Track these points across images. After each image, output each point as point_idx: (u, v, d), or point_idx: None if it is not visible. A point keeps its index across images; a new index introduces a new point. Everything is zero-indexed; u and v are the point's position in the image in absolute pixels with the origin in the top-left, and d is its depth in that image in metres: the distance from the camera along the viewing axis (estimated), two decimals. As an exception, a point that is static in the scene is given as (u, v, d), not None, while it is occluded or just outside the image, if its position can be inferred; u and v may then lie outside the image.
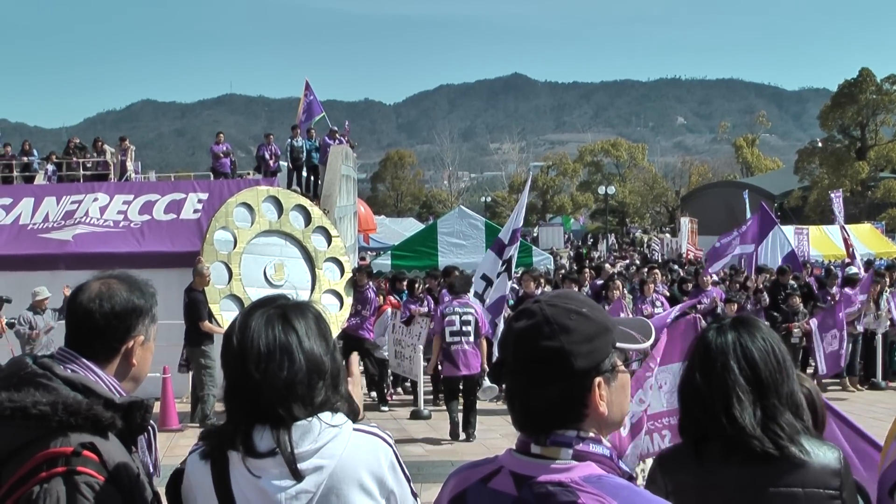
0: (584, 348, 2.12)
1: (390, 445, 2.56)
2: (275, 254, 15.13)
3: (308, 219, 15.43)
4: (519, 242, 16.41)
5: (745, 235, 23.18)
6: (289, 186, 24.60)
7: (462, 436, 13.45)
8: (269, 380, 2.43)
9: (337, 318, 15.17)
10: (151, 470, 2.93)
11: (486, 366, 13.83)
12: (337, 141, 26.57)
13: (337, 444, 2.46)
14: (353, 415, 2.60)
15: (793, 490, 2.77)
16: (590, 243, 74.43)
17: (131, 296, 2.82)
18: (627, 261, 40.73)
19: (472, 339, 13.44)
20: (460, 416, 13.52)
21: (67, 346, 2.80)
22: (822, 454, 2.81)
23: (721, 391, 2.86)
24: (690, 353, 3.05)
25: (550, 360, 2.11)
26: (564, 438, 2.13)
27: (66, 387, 2.62)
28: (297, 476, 2.41)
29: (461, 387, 13.64)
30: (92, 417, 2.57)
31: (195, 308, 14.10)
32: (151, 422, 2.91)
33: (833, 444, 2.90)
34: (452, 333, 13.46)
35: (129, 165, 27.01)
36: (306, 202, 16.21)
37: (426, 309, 16.10)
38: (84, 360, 2.74)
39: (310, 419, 2.44)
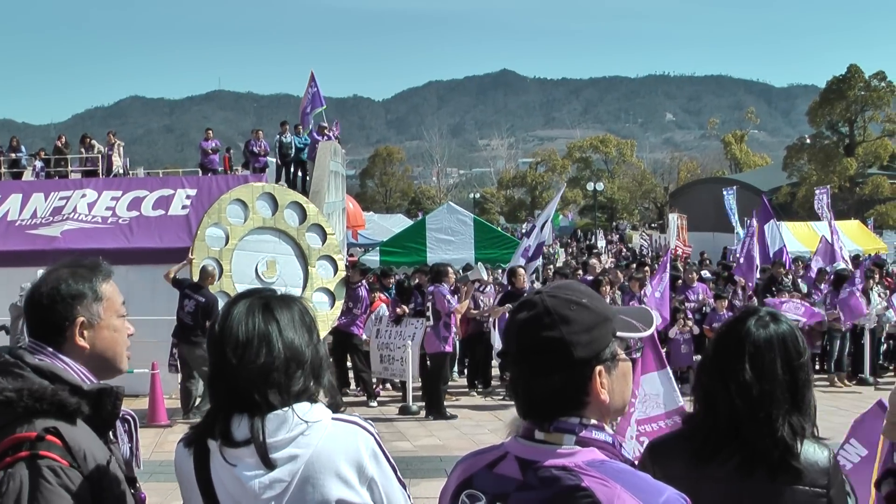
0: (583, 338, 2.17)
1: (371, 434, 2.58)
2: (267, 251, 15.10)
3: (303, 216, 15.41)
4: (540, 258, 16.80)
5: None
6: (276, 182, 24.59)
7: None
8: (246, 365, 2.48)
9: (328, 316, 15.17)
10: (131, 459, 2.95)
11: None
12: (325, 137, 26.54)
13: (313, 433, 2.49)
14: (335, 407, 2.62)
15: (779, 487, 2.79)
16: (581, 239, 74.45)
17: (59, 285, 2.84)
18: (611, 260, 40.55)
19: (430, 322, 15.08)
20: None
21: (31, 337, 2.85)
22: (811, 452, 2.83)
23: (769, 395, 2.85)
24: (730, 346, 2.99)
25: (551, 350, 2.16)
26: (567, 425, 2.18)
27: (34, 374, 2.66)
28: (268, 464, 2.44)
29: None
30: (57, 403, 2.59)
31: (214, 308, 13.84)
32: (132, 412, 2.97)
33: (824, 442, 2.91)
34: (427, 318, 15.26)
35: (117, 161, 26.97)
36: (302, 199, 16.18)
37: (413, 305, 16.14)
38: (50, 350, 2.78)
39: (286, 409, 2.47)
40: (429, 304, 15.16)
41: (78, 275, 2.88)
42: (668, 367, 6.58)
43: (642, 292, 17.43)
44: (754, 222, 22.74)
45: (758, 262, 20.89)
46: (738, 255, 22.61)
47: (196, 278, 14.45)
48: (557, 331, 2.16)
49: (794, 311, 16.73)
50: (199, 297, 14.02)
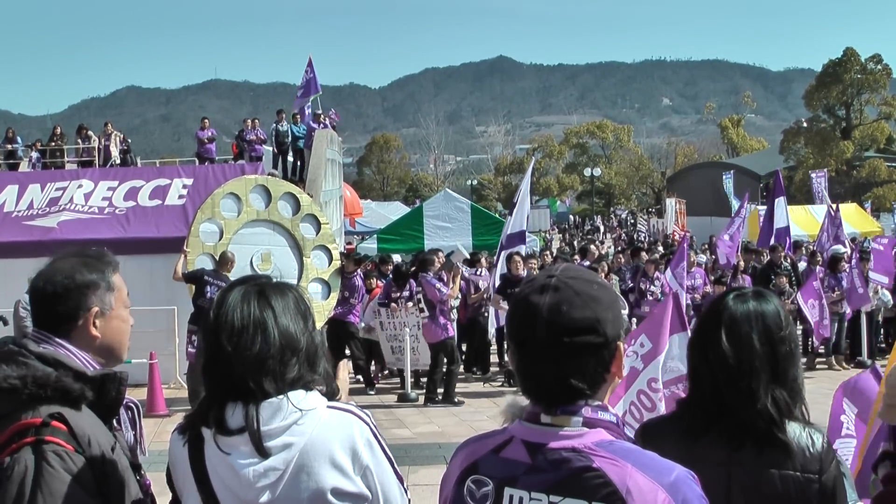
0: (610, 315, 2.21)
1: (367, 423, 2.57)
2: (262, 243, 15.12)
3: (297, 207, 15.42)
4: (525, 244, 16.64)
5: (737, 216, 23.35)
6: (273, 169, 24.60)
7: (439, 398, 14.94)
8: (241, 353, 2.47)
9: (323, 306, 15.20)
10: (135, 446, 2.97)
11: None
12: (322, 125, 26.49)
13: (308, 421, 2.48)
14: (331, 395, 2.61)
15: (769, 471, 2.77)
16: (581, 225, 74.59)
17: (73, 273, 2.85)
18: (609, 245, 40.62)
19: (426, 313, 14.96)
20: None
21: (36, 327, 2.86)
22: (805, 437, 2.81)
23: (748, 365, 2.84)
24: (709, 320, 3.00)
25: (587, 331, 2.17)
26: (574, 407, 2.19)
27: (39, 362, 2.67)
28: (263, 453, 2.44)
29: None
30: (61, 389, 2.61)
31: None
32: (135, 400, 2.99)
33: (819, 428, 2.89)
34: (420, 310, 15.15)
35: (114, 151, 26.91)
36: (296, 190, 16.18)
37: (407, 293, 16.09)
38: (55, 339, 2.80)
39: (280, 397, 2.47)
40: (419, 296, 15.11)
41: (91, 265, 2.90)
42: (689, 330, 6.55)
43: (655, 274, 17.49)
44: (745, 204, 22.71)
45: (739, 244, 21.00)
46: (724, 234, 22.56)
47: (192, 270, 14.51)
48: (591, 310, 2.17)
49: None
50: (221, 281, 13.97)
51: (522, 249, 16.29)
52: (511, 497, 2.19)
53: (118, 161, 26.53)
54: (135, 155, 30.04)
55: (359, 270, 16.56)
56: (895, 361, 4.69)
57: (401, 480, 2.65)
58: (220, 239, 14.81)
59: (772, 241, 21.09)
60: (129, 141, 29.30)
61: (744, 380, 2.83)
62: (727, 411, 2.84)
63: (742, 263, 19.56)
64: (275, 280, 2.69)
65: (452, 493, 2.33)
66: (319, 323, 14.78)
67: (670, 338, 6.56)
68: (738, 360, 2.85)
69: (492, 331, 16.55)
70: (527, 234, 17.41)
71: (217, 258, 14.68)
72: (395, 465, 2.64)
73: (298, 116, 27.19)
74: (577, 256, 21.43)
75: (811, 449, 2.79)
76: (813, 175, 33.75)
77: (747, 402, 2.81)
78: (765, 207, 23.43)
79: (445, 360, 14.98)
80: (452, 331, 15.47)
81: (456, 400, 14.75)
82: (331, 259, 15.60)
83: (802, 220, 33.33)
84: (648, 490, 2.05)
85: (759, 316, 2.91)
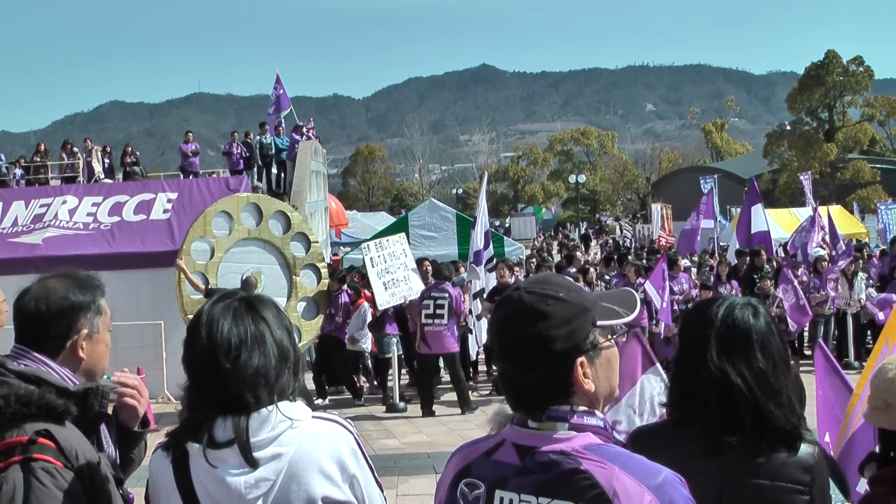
0: (561, 331, 2.20)
1: (351, 432, 2.60)
2: (252, 261, 15.07)
3: (288, 225, 15.39)
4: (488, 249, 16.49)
5: (705, 212, 23.46)
6: (258, 181, 24.59)
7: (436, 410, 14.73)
8: (241, 368, 2.48)
9: (312, 325, 15.18)
10: (117, 460, 2.96)
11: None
12: (305, 137, 26.49)
13: (296, 431, 2.50)
14: (310, 404, 2.62)
15: (760, 482, 2.75)
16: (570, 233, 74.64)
17: (68, 293, 2.87)
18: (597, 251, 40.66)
19: (444, 321, 14.64)
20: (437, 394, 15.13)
21: (18, 344, 2.86)
22: (798, 449, 2.79)
23: (744, 379, 2.81)
24: (699, 334, 2.94)
25: (531, 346, 2.20)
26: (559, 413, 2.21)
27: (19, 380, 2.67)
28: (252, 463, 2.44)
29: (440, 364, 15.09)
30: (45, 405, 2.61)
31: None
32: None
33: (811, 436, 2.87)
34: (427, 316, 14.73)
35: (96, 166, 26.82)
36: (287, 208, 16.15)
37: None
38: (35, 354, 2.81)
39: (268, 408, 2.49)
40: (443, 303, 14.79)
41: (83, 286, 2.93)
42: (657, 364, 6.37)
43: (637, 280, 17.41)
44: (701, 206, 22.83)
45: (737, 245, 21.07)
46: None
47: (179, 280, 14.47)
48: (535, 327, 2.19)
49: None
50: None
51: (481, 270, 16.17)
52: (502, 499, 2.22)
53: (102, 175, 26.45)
54: (144, 168, 29.87)
55: (344, 288, 16.44)
56: (875, 363, 4.70)
57: (379, 485, 2.68)
58: (211, 257, 14.79)
59: (750, 246, 21.17)
60: (138, 153, 29.23)
61: (733, 397, 2.81)
62: (718, 425, 2.81)
63: (725, 268, 19.54)
64: (252, 293, 2.71)
65: (446, 496, 2.36)
66: (309, 340, 14.87)
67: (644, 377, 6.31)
68: (725, 378, 2.82)
69: (476, 346, 16.53)
70: (491, 243, 17.36)
71: (207, 277, 14.66)
72: (376, 474, 2.67)
73: (281, 128, 27.19)
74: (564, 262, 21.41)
75: (803, 461, 2.77)
76: (802, 177, 33.75)
77: (736, 419, 2.80)
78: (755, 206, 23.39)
79: (444, 371, 14.97)
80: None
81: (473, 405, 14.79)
82: (319, 278, 15.58)
83: (787, 223, 33.34)
84: (635, 492, 2.07)
85: (751, 331, 2.88)
